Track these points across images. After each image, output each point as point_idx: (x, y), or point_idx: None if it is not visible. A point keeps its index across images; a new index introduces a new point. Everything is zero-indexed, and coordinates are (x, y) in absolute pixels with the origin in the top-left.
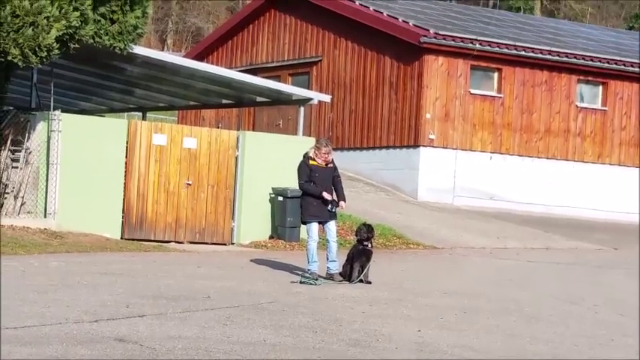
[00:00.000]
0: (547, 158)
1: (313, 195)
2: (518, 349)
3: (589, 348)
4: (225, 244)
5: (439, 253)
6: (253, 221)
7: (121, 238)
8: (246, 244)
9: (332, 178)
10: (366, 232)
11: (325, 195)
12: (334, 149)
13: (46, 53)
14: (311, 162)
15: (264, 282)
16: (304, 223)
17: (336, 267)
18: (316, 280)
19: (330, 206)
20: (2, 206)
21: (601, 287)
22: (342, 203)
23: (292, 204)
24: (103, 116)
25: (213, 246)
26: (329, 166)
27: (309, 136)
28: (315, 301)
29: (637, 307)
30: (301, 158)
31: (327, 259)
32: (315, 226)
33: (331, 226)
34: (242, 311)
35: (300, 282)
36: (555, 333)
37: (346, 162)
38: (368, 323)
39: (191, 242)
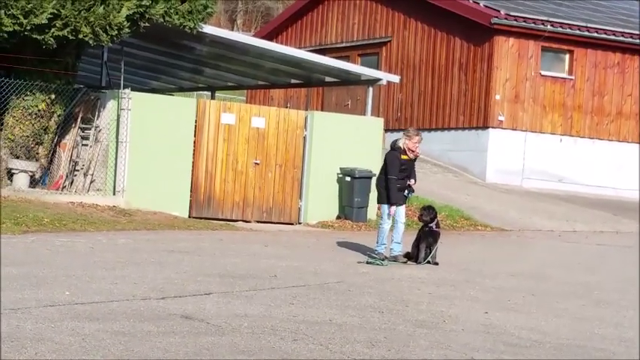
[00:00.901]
0: (618, 141)
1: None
2: (586, 332)
3: None
4: (292, 224)
5: (507, 235)
6: (320, 201)
7: (189, 216)
8: (313, 224)
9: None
10: (427, 214)
11: (392, 210)
12: (403, 130)
13: (116, 32)
14: (402, 156)
15: (330, 262)
16: (379, 203)
17: (401, 249)
18: (383, 260)
19: (406, 192)
20: (72, 183)
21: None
22: (412, 182)
23: (360, 184)
24: (173, 95)
25: (280, 225)
26: (414, 160)
27: (378, 116)
28: (382, 282)
29: None
30: (388, 147)
31: (393, 239)
32: (391, 209)
33: (402, 208)
34: (308, 291)
35: (367, 262)
36: (625, 317)
37: None
38: (434, 304)
39: (258, 221)
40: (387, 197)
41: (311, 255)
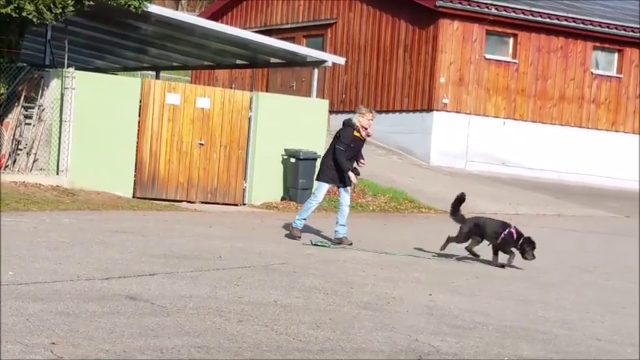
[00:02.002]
0: (561, 125)
1: (341, 167)
2: (529, 315)
3: (600, 315)
4: (236, 205)
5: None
6: (265, 182)
7: (133, 196)
8: (258, 205)
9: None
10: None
11: (351, 177)
12: (347, 112)
13: (60, 10)
14: (355, 133)
15: (275, 243)
16: (318, 180)
17: (345, 231)
18: (299, 238)
19: (353, 176)
20: (15, 162)
21: (613, 255)
22: (362, 162)
23: (304, 166)
24: (117, 75)
25: (224, 206)
26: (364, 140)
27: (323, 98)
28: (327, 264)
29: None
30: (332, 129)
31: (337, 222)
32: (326, 188)
33: (347, 190)
34: (253, 272)
35: (312, 244)
36: (567, 300)
37: None
38: (379, 286)
39: (203, 202)
40: (328, 171)
41: (256, 236)
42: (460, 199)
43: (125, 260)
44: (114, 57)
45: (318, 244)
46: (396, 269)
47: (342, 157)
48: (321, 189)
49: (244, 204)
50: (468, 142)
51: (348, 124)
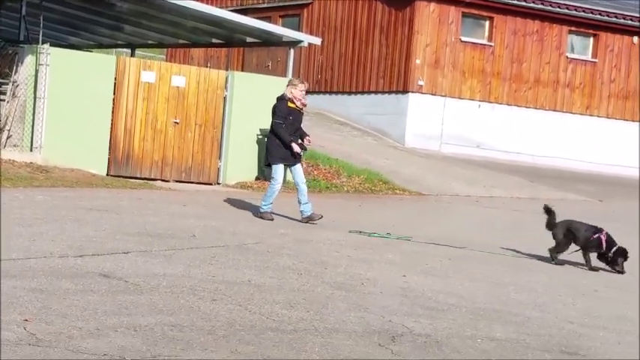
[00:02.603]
0: (535, 108)
1: (283, 142)
2: (501, 297)
3: (572, 297)
4: (211, 184)
5: (425, 200)
6: (240, 162)
7: (107, 174)
8: (232, 185)
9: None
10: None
11: (295, 148)
12: (323, 92)
13: None
14: (289, 104)
15: (249, 222)
16: (269, 165)
17: (310, 208)
18: (272, 219)
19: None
20: None
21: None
22: (307, 139)
23: None
24: (92, 51)
25: (199, 185)
26: (302, 110)
27: (298, 78)
28: (301, 244)
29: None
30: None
31: (300, 202)
32: (282, 169)
33: (298, 168)
34: (227, 251)
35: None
36: (539, 282)
37: (334, 106)
38: (353, 267)
39: (177, 181)
40: (276, 151)
41: (230, 215)
42: (548, 212)
43: (99, 238)
44: (89, 34)
45: (372, 234)
46: (370, 250)
47: (283, 131)
48: (277, 171)
49: (219, 183)
50: (443, 124)
51: (281, 98)
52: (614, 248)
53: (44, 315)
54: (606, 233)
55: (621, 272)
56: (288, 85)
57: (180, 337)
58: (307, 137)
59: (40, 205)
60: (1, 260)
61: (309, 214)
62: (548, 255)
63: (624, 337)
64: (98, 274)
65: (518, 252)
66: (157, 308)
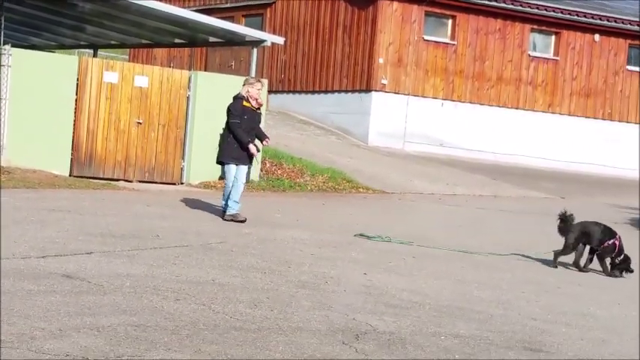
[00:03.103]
0: (498, 106)
1: (240, 142)
2: (465, 294)
3: (535, 294)
4: (174, 184)
5: (388, 198)
6: (203, 162)
7: (70, 175)
8: (196, 185)
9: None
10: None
11: (252, 149)
12: (286, 92)
13: None
14: (244, 103)
15: (212, 222)
16: (221, 163)
17: (239, 208)
18: (244, 221)
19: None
20: None
21: (549, 236)
22: (266, 140)
23: None
24: (54, 52)
25: (162, 185)
26: (259, 110)
27: (262, 77)
28: (264, 243)
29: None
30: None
31: (231, 198)
32: (233, 169)
33: (244, 167)
34: (191, 251)
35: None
36: (502, 279)
37: (298, 105)
38: (317, 265)
39: (140, 181)
40: (229, 151)
41: (193, 215)
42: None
43: (61, 239)
44: (51, 34)
45: (373, 237)
46: (334, 248)
47: (241, 131)
48: (229, 171)
49: (182, 183)
50: (407, 122)
51: (236, 97)
52: (622, 256)
53: (7, 316)
54: (619, 237)
55: (619, 276)
56: (244, 84)
57: (144, 337)
58: (267, 139)
59: (2, 206)
60: (1, 259)
61: (235, 212)
62: (576, 268)
63: (587, 333)
64: (61, 275)
65: (480, 249)
66: (120, 308)
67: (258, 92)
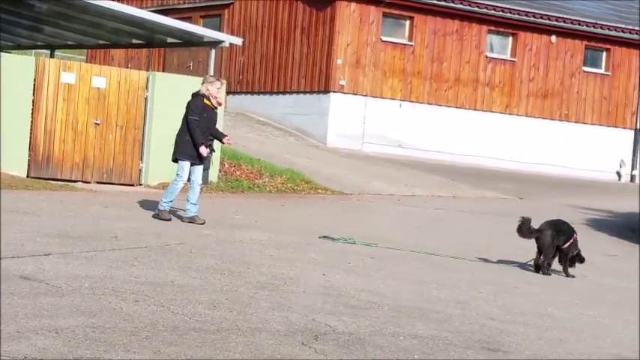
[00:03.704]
0: (456, 107)
1: (194, 140)
2: (424, 295)
3: (494, 295)
4: (133, 185)
5: (347, 199)
6: (162, 163)
7: (27, 176)
8: (154, 185)
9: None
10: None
11: (202, 151)
12: (244, 93)
13: None
14: (205, 101)
15: (171, 223)
16: (176, 160)
17: (197, 210)
18: (169, 220)
19: (208, 150)
20: None
21: (506, 236)
22: (227, 139)
23: None
24: (10, 53)
25: (120, 187)
26: (216, 109)
27: (220, 78)
28: (223, 244)
29: None
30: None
31: (189, 200)
32: (188, 166)
33: (199, 168)
34: (149, 252)
35: (153, 216)
36: (461, 280)
37: (256, 106)
38: (276, 267)
39: (98, 182)
40: (185, 148)
41: (152, 216)
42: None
43: (19, 240)
44: (7, 35)
45: (338, 239)
46: (292, 249)
47: (197, 129)
48: (183, 168)
49: (141, 184)
50: (365, 123)
51: (197, 94)
52: (577, 251)
53: None
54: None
55: (572, 276)
56: (203, 83)
57: (103, 338)
58: (226, 137)
59: None
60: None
61: (193, 215)
62: (534, 269)
63: (545, 333)
64: (19, 277)
65: (438, 249)
66: (78, 310)
67: (217, 91)
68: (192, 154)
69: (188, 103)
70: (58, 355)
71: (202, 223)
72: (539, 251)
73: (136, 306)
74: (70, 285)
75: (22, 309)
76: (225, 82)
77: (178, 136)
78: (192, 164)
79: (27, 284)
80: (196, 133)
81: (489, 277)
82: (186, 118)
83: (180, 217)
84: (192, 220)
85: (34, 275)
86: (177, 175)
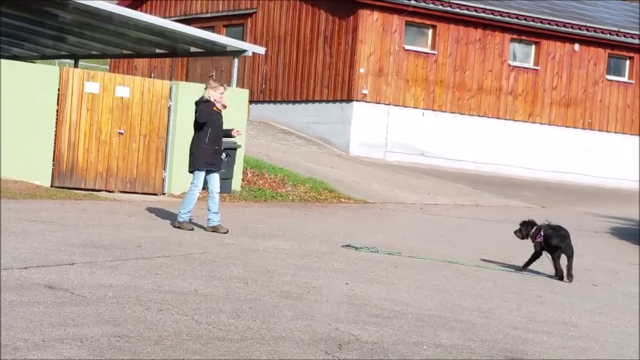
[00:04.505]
0: (479, 116)
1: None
2: (447, 304)
3: (517, 303)
4: (156, 194)
5: (370, 208)
6: (185, 172)
7: (51, 185)
8: (178, 195)
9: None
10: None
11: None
12: (267, 102)
13: None
14: (214, 108)
15: (195, 232)
16: (193, 171)
17: (219, 218)
18: (192, 229)
19: (223, 155)
20: None
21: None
22: (235, 131)
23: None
24: (35, 63)
25: (144, 196)
26: (221, 112)
27: (243, 87)
28: (247, 253)
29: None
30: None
31: (210, 210)
32: (203, 175)
33: (216, 176)
34: (173, 261)
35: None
36: (484, 289)
37: (279, 115)
38: (299, 276)
39: (122, 192)
40: (202, 157)
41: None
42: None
43: (44, 250)
44: (32, 45)
45: (361, 248)
46: (316, 259)
47: (212, 137)
48: (199, 177)
49: (164, 193)
50: (387, 132)
51: (202, 101)
52: None
53: None
54: None
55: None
56: (206, 88)
57: (127, 347)
58: (235, 130)
59: None
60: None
61: (216, 224)
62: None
63: (568, 341)
64: (43, 286)
65: (461, 258)
66: (103, 319)
67: (221, 95)
68: (210, 161)
69: (197, 111)
70: None
71: (225, 232)
72: (557, 257)
73: (160, 315)
74: (94, 294)
75: (47, 318)
76: (228, 86)
77: (193, 145)
78: (207, 172)
79: (52, 293)
80: (206, 133)
81: (513, 285)
82: (196, 127)
83: (202, 227)
84: (215, 229)
85: (59, 284)
86: (193, 184)
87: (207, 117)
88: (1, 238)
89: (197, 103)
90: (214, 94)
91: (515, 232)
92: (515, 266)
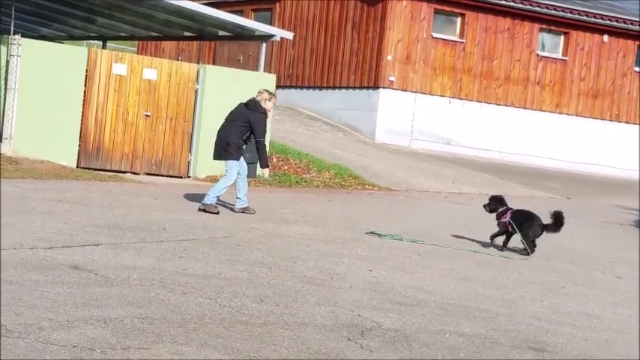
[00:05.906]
0: (505, 105)
1: (261, 161)
2: (470, 293)
3: (540, 294)
4: (181, 177)
5: (394, 195)
6: (210, 156)
7: (77, 166)
8: (202, 178)
9: None
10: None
11: (266, 172)
12: (294, 87)
13: None
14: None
15: (219, 216)
16: (230, 159)
17: (247, 201)
18: (217, 213)
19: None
20: None
21: (553, 236)
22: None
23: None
24: (63, 43)
25: (169, 178)
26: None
27: (270, 72)
28: (271, 238)
29: (586, 255)
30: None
31: (239, 191)
32: (237, 165)
33: (243, 161)
34: (197, 244)
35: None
36: (508, 279)
37: (305, 101)
38: (322, 262)
39: (147, 174)
40: (243, 151)
41: (197, 210)
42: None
43: (69, 230)
44: (60, 25)
45: (385, 235)
46: (340, 245)
47: (265, 149)
48: (234, 166)
49: (189, 176)
50: (414, 120)
51: (259, 110)
52: None
53: (14, 306)
54: None
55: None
56: (266, 98)
57: (151, 329)
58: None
59: (10, 196)
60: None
61: (245, 205)
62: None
63: (591, 333)
64: (68, 266)
65: (485, 247)
66: (127, 300)
67: (271, 106)
68: (241, 153)
69: (256, 119)
70: (106, 345)
71: (253, 213)
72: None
73: (183, 298)
74: (118, 275)
75: (71, 298)
76: (274, 77)
77: (228, 139)
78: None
79: (76, 274)
80: (265, 154)
81: (536, 276)
82: (237, 123)
83: (229, 209)
84: (244, 210)
85: (84, 265)
86: (228, 172)
87: (264, 129)
88: (1, 219)
89: (254, 109)
90: (269, 105)
91: (483, 206)
92: (535, 258)
